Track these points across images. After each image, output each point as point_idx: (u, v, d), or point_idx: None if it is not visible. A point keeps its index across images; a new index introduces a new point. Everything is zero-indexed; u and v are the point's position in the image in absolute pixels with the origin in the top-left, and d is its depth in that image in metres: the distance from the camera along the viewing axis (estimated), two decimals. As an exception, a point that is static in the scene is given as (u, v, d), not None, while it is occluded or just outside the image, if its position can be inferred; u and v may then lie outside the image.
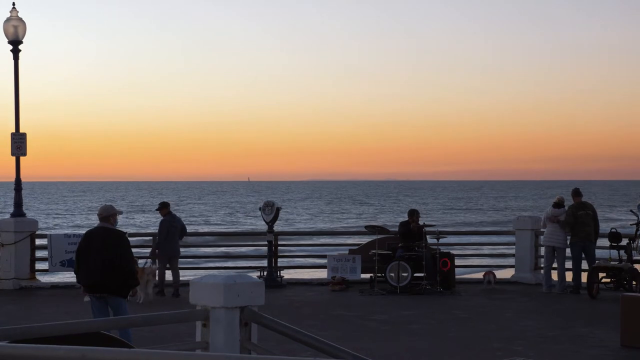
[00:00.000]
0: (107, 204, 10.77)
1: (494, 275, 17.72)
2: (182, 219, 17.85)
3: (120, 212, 10.59)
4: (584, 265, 16.77)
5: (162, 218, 16.87)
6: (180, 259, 17.48)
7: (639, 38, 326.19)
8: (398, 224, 17.92)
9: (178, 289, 16.42)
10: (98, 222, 10.30)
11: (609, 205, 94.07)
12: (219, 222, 67.12)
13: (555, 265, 17.12)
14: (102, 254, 9.83)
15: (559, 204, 17.10)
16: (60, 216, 74.52)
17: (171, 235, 16.60)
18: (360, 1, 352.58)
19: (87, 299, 10.41)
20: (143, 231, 42.65)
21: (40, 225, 20.92)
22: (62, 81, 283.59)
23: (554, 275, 17.15)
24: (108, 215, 10.14)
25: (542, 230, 17.68)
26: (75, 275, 10.51)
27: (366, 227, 18.75)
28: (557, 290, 16.73)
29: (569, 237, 16.92)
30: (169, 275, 16.90)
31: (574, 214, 16.70)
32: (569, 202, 17.19)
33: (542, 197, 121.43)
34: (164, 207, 16.95)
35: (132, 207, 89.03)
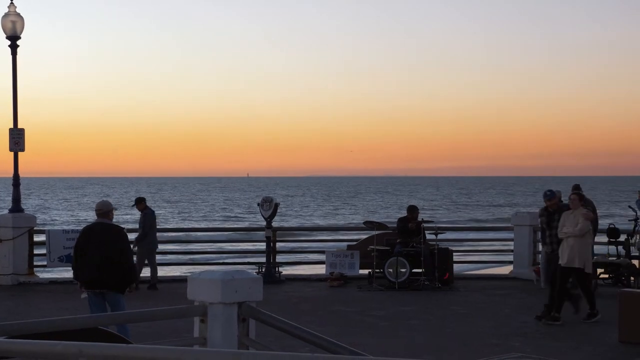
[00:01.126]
0: (105, 199, 10.76)
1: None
2: (179, 214, 18.00)
3: (115, 209, 10.57)
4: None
5: (144, 212, 17.00)
6: (178, 255, 17.61)
7: (637, 35, 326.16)
8: (397, 220, 17.91)
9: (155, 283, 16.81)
10: (95, 217, 10.29)
11: (608, 202, 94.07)
12: (217, 218, 67.06)
13: None
14: (101, 249, 9.81)
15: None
16: (58, 211, 74.46)
17: (154, 228, 16.88)
18: (360, 1, 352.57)
19: (84, 295, 10.39)
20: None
21: (38, 221, 20.90)
22: (60, 77, 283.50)
23: None
24: (107, 210, 10.13)
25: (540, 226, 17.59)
26: (73, 271, 10.48)
27: (365, 222, 18.76)
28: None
29: None
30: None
31: None
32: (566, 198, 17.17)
33: (541, 193, 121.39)
34: (141, 202, 17.16)
35: (130, 203, 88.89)
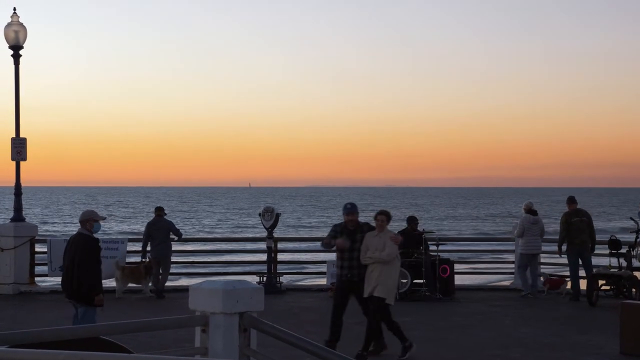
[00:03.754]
0: (88, 209, 10.73)
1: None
2: (181, 224, 18.09)
3: (103, 218, 10.42)
4: (582, 273, 16.79)
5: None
6: (180, 264, 17.57)
7: (635, 44, 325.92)
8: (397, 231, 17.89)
9: (161, 291, 16.90)
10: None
11: (608, 213, 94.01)
12: (219, 228, 67.04)
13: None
14: (69, 258, 9.91)
15: (533, 211, 17.17)
16: (59, 221, 74.42)
17: (152, 238, 17.05)
18: (360, 9, 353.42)
19: None
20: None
21: (40, 230, 20.92)
22: (62, 85, 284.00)
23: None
24: (84, 220, 10.03)
25: (517, 238, 17.50)
26: None
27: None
28: (540, 290, 17.07)
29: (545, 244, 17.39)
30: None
31: (567, 221, 16.69)
32: (561, 209, 17.29)
33: (540, 203, 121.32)
34: (155, 210, 17.75)
35: (120, 214, 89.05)
